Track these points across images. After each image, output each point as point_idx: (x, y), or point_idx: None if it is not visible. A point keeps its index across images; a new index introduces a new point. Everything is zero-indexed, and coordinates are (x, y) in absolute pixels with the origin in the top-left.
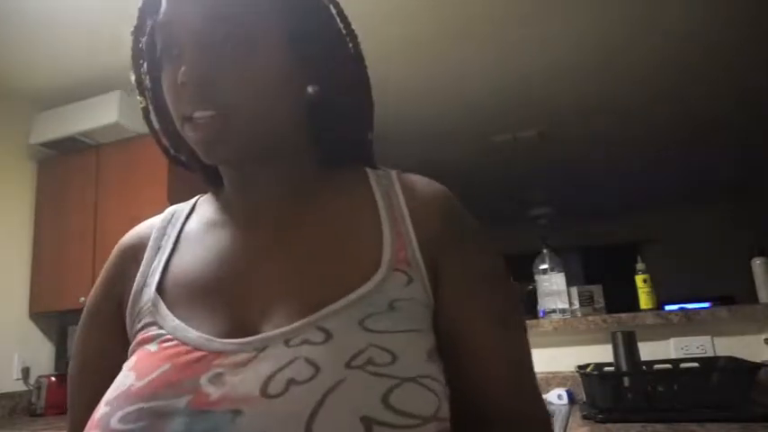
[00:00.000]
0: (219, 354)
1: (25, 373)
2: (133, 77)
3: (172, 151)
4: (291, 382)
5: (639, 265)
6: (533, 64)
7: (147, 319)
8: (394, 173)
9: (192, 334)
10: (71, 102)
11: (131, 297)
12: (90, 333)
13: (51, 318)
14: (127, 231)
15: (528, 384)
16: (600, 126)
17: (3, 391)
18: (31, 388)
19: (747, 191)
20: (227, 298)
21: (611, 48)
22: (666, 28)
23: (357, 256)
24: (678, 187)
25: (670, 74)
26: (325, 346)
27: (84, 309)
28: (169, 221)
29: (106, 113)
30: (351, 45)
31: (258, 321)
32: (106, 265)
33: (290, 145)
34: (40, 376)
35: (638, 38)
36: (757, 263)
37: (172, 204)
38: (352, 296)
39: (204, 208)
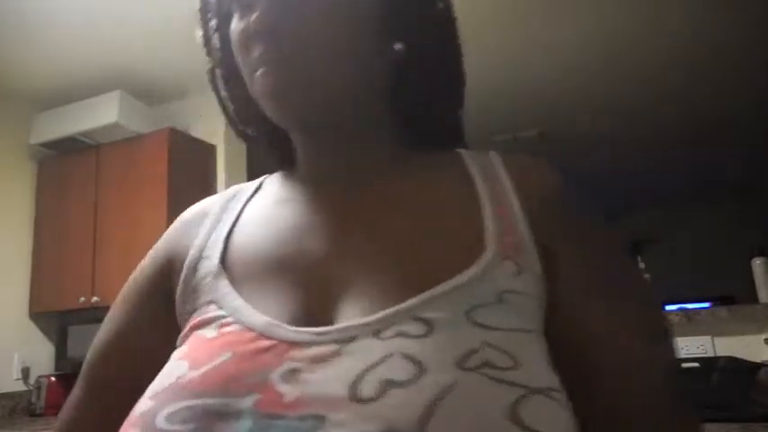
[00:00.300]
0: (292, 344)
1: (25, 373)
2: (200, 34)
3: (239, 124)
4: (389, 383)
5: (640, 265)
6: (536, 64)
7: (204, 297)
8: (492, 152)
9: (259, 318)
10: (71, 102)
11: (184, 271)
12: (129, 305)
13: (51, 318)
14: (127, 231)
15: (681, 411)
16: (605, 126)
17: (3, 391)
18: (31, 388)
19: (753, 191)
20: (300, 278)
21: (616, 48)
22: (673, 29)
23: (455, 234)
24: (684, 187)
25: (676, 74)
26: (428, 341)
27: (127, 283)
28: (233, 196)
29: (106, 113)
30: (441, 3)
31: (336, 308)
32: (160, 240)
33: (371, 115)
34: (39, 376)
35: (644, 38)
36: (757, 263)
37: (172, 204)
38: (455, 281)
39: (272, 186)
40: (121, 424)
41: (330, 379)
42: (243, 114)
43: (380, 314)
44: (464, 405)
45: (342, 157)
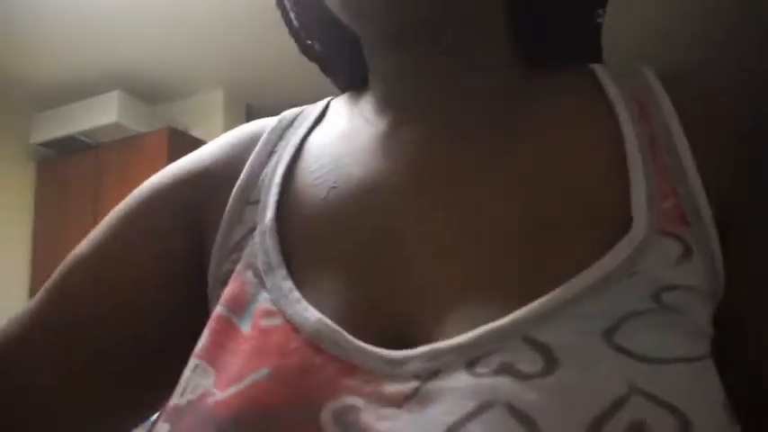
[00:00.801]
0: (354, 367)
1: None
2: None
3: (304, 38)
4: None
5: None
6: None
7: (245, 261)
8: (647, 69)
9: (312, 315)
10: (71, 101)
11: (225, 219)
12: (132, 222)
13: None
14: None
15: None
16: None
17: None
18: None
19: None
20: (371, 259)
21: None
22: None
23: (586, 206)
24: None
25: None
26: (545, 384)
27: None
28: (290, 123)
29: (106, 113)
30: None
31: (421, 313)
32: (187, 160)
33: (479, 19)
34: None
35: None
36: None
37: None
38: (585, 278)
39: (340, 112)
40: (81, 373)
41: None
42: (307, 24)
43: (477, 331)
44: None
45: (438, 82)
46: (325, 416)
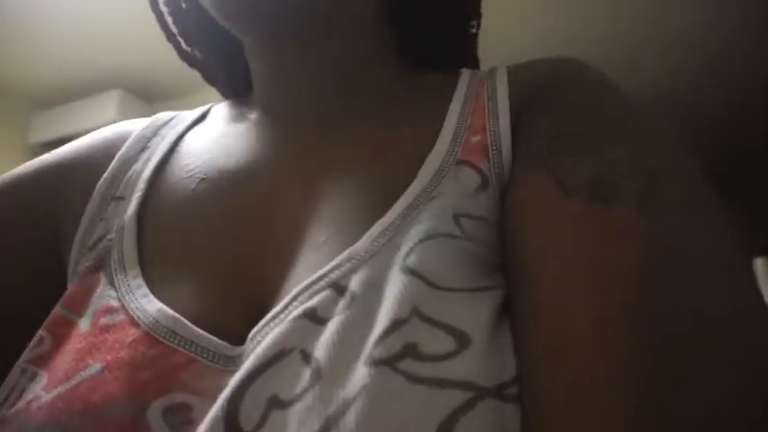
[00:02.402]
0: (191, 360)
1: None
2: None
3: (183, 42)
4: (272, 404)
5: None
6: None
7: (93, 260)
8: (505, 67)
9: (153, 306)
10: (70, 101)
11: (86, 217)
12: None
13: None
14: None
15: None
16: None
17: None
18: None
19: (755, 190)
20: (233, 252)
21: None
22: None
23: (405, 165)
24: None
25: (676, 74)
26: (334, 324)
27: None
28: (165, 123)
29: (105, 112)
30: None
31: (273, 297)
32: (53, 154)
33: (360, 22)
34: None
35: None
36: (759, 263)
37: None
38: (391, 215)
39: (221, 115)
40: None
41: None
42: (188, 26)
43: (293, 293)
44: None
45: (309, 84)
46: (154, 413)
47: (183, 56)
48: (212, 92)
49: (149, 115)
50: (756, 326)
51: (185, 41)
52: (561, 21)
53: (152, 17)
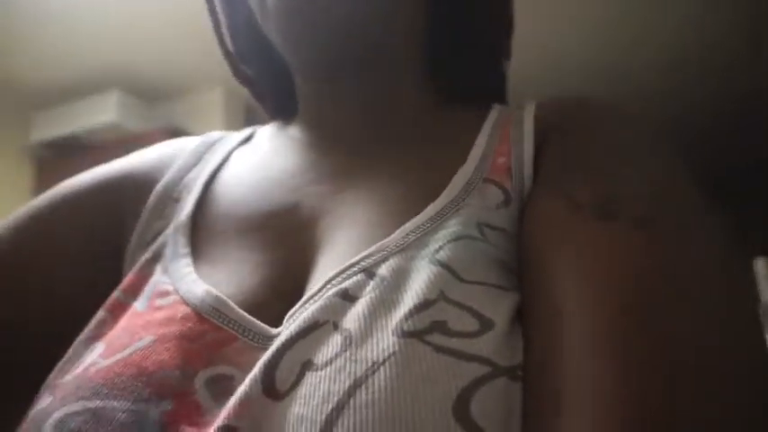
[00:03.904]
0: (233, 338)
1: None
2: None
3: (238, 61)
4: (306, 366)
5: None
6: (532, 61)
7: (152, 253)
8: (532, 102)
9: (200, 288)
10: (70, 101)
11: (144, 216)
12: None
13: None
14: None
15: None
16: None
17: None
18: None
19: (756, 190)
20: (274, 243)
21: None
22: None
23: (434, 186)
24: None
25: (672, 74)
26: (365, 301)
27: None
28: (217, 140)
29: (105, 112)
30: None
31: (307, 277)
32: (119, 163)
33: (399, 58)
34: None
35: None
36: (760, 263)
37: None
38: (421, 218)
39: (268, 136)
40: None
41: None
42: (242, 48)
43: (327, 276)
44: (392, 390)
45: (356, 109)
46: (199, 381)
47: (236, 72)
48: (210, 93)
49: (149, 115)
50: (752, 348)
51: (240, 60)
52: (554, 22)
53: (153, 18)
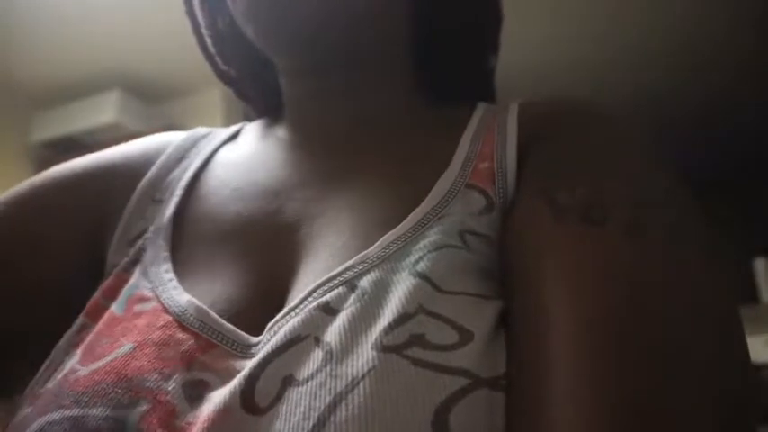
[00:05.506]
0: (212, 345)
1: None
2: None
3: (219, 62)
4: (288, 381)
5: None
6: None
7: (132, 255)
8: (515, 102)
9: (181, 297)
10: (70, 101)
11: (126, 216)
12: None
13: None
14: None
15: None
16: None
17: None
18: None
19: (756, 190)
20: (256, 249)
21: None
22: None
23: (415, 191)
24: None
25: (668, 72)
26: (346, 313)
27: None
28: (202, 136)
29: (105, 112)
30: None
31: (289, 287)
32: (100, 155)
33: (383, 61)
34: None
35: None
36: (760, 263)
37: None
38: (402, 228)
39: (252, 134)
40: None
41: (226, 394)
42: (223, 49)
43: (309, 287)
44: (371, 405)
45: (340, 109)
46: (176, 383)
47: (220, 74)
48: (210, 93)
49: (148, 115)
50: (735, 357)
51: (222, 61)
52: (551, 22)
53: (152, 18)
